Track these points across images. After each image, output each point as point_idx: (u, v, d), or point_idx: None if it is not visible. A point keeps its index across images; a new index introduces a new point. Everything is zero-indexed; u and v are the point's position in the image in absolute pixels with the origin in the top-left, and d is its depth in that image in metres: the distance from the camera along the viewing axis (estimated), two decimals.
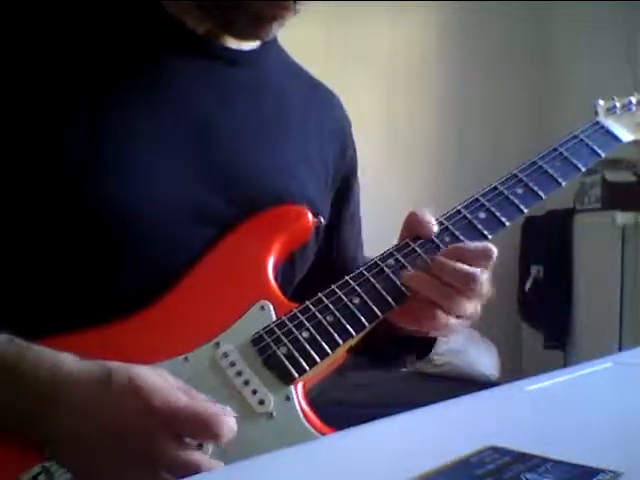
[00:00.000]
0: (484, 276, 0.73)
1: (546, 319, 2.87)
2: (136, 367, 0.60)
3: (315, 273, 0.86)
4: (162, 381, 0.60)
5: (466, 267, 0.72)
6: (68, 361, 0.61)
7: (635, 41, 2.80)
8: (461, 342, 2.52)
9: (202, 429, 0.58)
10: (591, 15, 2.90)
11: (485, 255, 0.74)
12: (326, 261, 0.88)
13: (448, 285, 0.72)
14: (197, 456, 0.59)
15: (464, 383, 2.46)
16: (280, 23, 0.75)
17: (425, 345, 0.86)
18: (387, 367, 0.98)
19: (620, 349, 2.43)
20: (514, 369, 2.90)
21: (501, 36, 3.14)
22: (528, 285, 2.89)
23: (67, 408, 0.59)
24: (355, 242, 0.96)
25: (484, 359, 2.64)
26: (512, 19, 3.08)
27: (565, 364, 2.71)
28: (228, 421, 0.58)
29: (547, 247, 2.86)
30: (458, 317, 0.75)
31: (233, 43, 0.80)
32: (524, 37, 3.19)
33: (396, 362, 0.92)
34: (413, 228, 0.77)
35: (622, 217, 2.50)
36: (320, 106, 0.90)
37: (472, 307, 0.75)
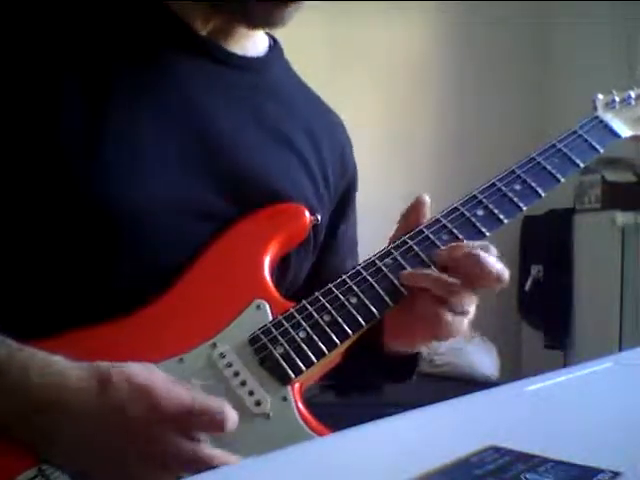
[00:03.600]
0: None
1: (546, 319, 2.87)
2: (131, 365, 0.60)
3: (310, 284, 0.85)
4: (160, 377, 0.60)
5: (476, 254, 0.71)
6: (60, 362, 0.61)
7: (635, 41, 2.80)
8: (461, 342, 2.52)
9: (207, 421, 0.59)
10: (591, 15, 2.89)
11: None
12: (320, 276, 0.87)
13: (453, 278, 0.72)
14: (209, 450, 0.59)
15: (464, 383, 2.46)
16: (294, 8, 0.74)
17: (406, 367, 0.85)
18: (357, 391, 0.97)
19: (620, 349, 2.43)
20: (514, 369, 2.90)
21: (501, 36, 3.13)
22: (528, 285, 2.88)
23: (62, 409, 0.59)
24: (350, 260, 0.94)
25: (484, 359, 2.64)
26: (512, 19, 3.08)
27: (565, 364, 2.71)
28: (230, 412, 0.59)
29: (547, 247, 2.86)
30: (461, 314, 0.74)
31: (238, 48, 0.80)
32: (524, 37, 3.19)
33: (368, 385, 0.92)
34: (411, 213, 0.77)
35: (622, 217, 2.50)
36: (322, 123, 0.89)
37: (473, 303, 0.74)
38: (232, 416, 0.60)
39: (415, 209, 0.78)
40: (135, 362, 0.62)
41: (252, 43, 0.82)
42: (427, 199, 0.78)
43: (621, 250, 2.52)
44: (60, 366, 0.61)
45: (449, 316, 0.73)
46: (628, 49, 2.80)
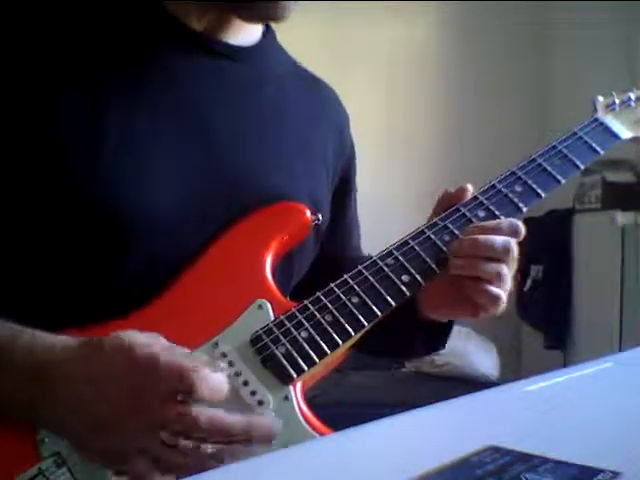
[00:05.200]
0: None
1: (546, 319, 2.87)
2: (130, 331, 0.61)
3: (317, 273, 0.85)
4: (148, 337, 0.61)
5: (498, 238, 0.74)
6: (63, 339, 0.63)
7: (635, 41, 2.80)
8: (461, 342, 2.52)
9: (184, 380, 0.58)
10: (591, 15, 2.89)
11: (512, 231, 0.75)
12: (327, 261, 0.87)
13: (485, 258, 0.74)
14: (190, 408, 0.58)
15: (464, 383, 2.46)
16: (294, 2, 0.74)
17: (440, 334, 0.87)
18: (397, 355, 0.98)
19: (620, 349, 2.43)
20: (514, 369, 2.90)
21: (501, 36, 3.13)
22: (528, 285, 2.88)
23: (60, 374, 0.60)
24: (356, 240, 0.96)
25: (484, 359, 2.64)
26: (512, 19, 3.08)
27: (565, 364, 2.71)
28: (211, 375, 0.59)
29: (547, 247, 2.86)
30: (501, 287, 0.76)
31: (233, 39, 0.80)
32: (524, 37, 3.19)
33: (408, 350, 0.93)
34: (448, 200, 0.79)
35: (622, 217, 2.50)
36: (319, 103, 0.90)
37: (509, 275, 0.76)
38: (213, 375, 0.59)
39: (452, 197, 0.80)
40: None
41: (246, 32, 0.82)
42: (469, 188, 0.80)
43: (621, 250, 2.52)
44: (64, 343, 0.62)
45: (493, 290, 0.75)
46: (628, 49, 2.80)
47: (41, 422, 0.62)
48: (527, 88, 3.19)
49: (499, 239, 0.74)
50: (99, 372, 0.60)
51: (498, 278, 0.74)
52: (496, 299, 0.75)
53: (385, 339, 0.80)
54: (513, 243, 0.75)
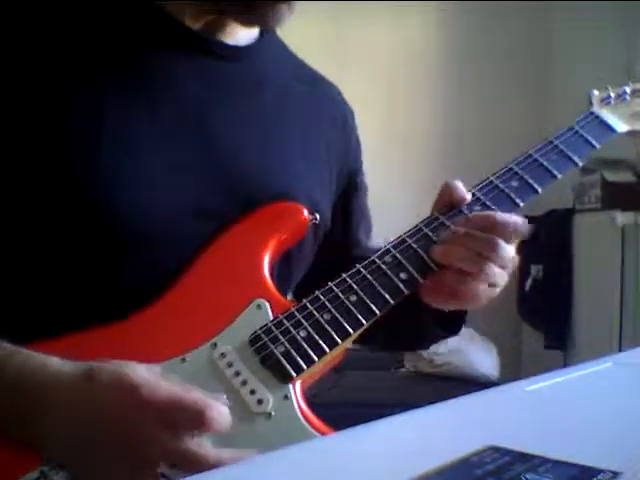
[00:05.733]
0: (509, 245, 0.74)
1: (546, 319, 2.87)
2: (121, 362, 0.60)
3: (325, 270, 0.85)
4: (148, 373, 0.59)
5: (489, 235, 0.73)
6: (54, 364, 0.61)
7: (635, 41, 2.80)
8: (461, 342, 2.52)
9: (193, 417, 0.57)
10: (591, 15, 2.89)
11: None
12: (334, 258, 0.87)
13: (475, 252, 0.73)
14: (193, 445, 0.57)
15: (464, 383, 2.46)
16: (292, 8, 0.74)
17: (453, 322, 0.86)
18: (414, 342, 0.97)
19: (620, 349, 2.43)
20: (514, 369, 2.90)
21: (501, 36, 3.13)
22: (528, 285, 2.88)
23: (54, 407, 0.59)
24: (365, 236, 0.96)
25: (484, 359, 2.64)
26: (512, 19, 3.08)
27: (565, 364, 2.71)
28: (218, 408, 0.58)
29: (547, 247, 2.86)
30: (490, 285, 0.75)
31: (230, 39, 0.79)
32: (524, 37, 3.19)
33: (424, 335, 0.91)
34: (446, 195, 0.78)
35: (622, 217, 2.50)
36: (319, 100, 0.89)
37: (500, 275, 0.75)
38: (219, 410, 0.58)
39: (452, 193, 0.79)
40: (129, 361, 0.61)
41: (244, 31, 0.81)
42: (459, 184, 0.79)
43: (621, 250, 2.52)
44: (55, 368, 0.60)
45: (477, 286, 0.74)
46: (628, 49, 2.80)
47: (41, 450, 0.60)
48: (527, 88, 3.19)
49: (483, 235, 0.73)
50: (91, 410, 0.58)
51: (480, 274, 0.74)
52: (475, 295, 0.75)
53: (395, 328, 0.80)
54: (499, 240, 0.73)
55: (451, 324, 0.85)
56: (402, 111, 3.11)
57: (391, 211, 3.00)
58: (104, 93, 0.70)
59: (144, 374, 0.59)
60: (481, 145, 3.09)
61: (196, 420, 0.57)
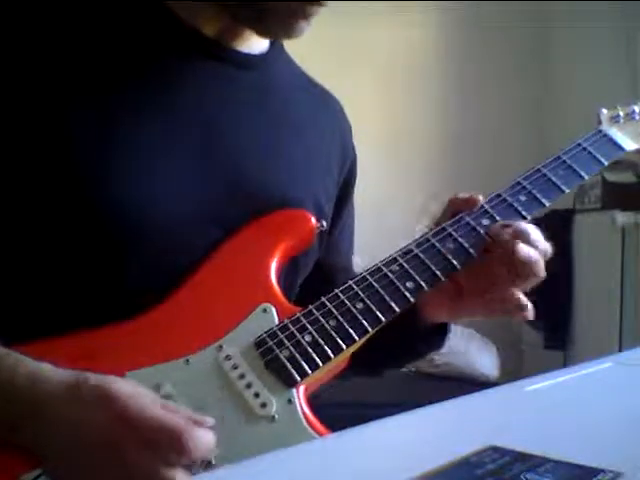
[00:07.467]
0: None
1: (546, 319, 2.87)
2: (108, 377, 0.58)
3: (305, 279, 0.85)
4: (134, 391, 0.58)
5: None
6: (45, 371, 0.60)
7: (635, 41, 2.80)
8: (461, 342, 2.52)
9: (169, 443, 0.55)
10: (591, 15, 2.90)
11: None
12: (317, 267, 0.87)
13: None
14: (173, 473, 0.55)
15: (464, 383, 2.46)
16: (310, 21, 0.75)
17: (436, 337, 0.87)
18: (393, 363, 0.98)
19: (620, 349, 2.43)
20: (514, 369, 2.90)
21: (501, 36, 3.13)
22: None
23: (43, 417, 0.58)
24: (347, 252, 0.96)
25: (484, 359, 2.64)
26: (512, 19, 3.08)
27: (565, 364, 2.71)
28: (198, 434, 0.55)
29: None
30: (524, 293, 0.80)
31: (243, 47, 0.80)
32: (524, 37, 3.19)
33: (407, 355, 0.93)
34: (457, 205, 0.80)
35: (622, 217, 2.50)
36: (325, 114, 0.90)
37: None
38: (200, 439, 0.55)
39: (461, 203, 0.80)
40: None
41: (256, 41, 0.81)
42: (480, 199, 0.81)
43: (621, 250, 2.52)
44: (45, 375, 0.59)
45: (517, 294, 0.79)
46: (628, 49, 2.80)
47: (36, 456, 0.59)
48: (527, 88, 3.19)
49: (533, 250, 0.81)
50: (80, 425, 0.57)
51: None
52: (520, 304, 0.81)
53: (384, 344, 0.79)
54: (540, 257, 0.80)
55: (434, 341, 0.88)
56: (402, 111, 3.11)
57: (391, 211, 3.00)
58: (116, 98, 0.71)
59: (131, 390, 0.57)
60: (481, 145, 3.09)
61: (173, 447, 0.55)
